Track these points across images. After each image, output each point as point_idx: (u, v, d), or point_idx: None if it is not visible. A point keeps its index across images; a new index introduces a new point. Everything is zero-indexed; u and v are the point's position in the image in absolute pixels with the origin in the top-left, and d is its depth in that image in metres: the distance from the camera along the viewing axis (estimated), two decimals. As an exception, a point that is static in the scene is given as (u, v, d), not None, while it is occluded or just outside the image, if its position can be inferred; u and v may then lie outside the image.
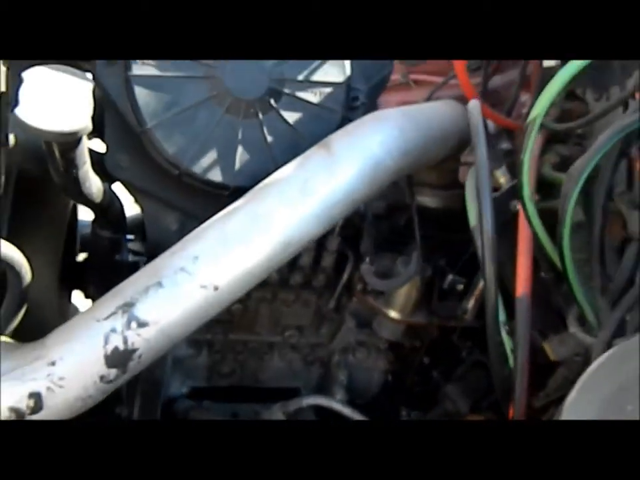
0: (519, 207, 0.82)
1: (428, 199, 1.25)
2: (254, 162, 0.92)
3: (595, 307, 0.72)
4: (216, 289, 0.76)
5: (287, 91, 0.92)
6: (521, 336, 0.76)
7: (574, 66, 0.75)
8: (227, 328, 1.21)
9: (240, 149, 0.91)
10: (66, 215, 1.12)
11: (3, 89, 0.69)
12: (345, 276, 1.19)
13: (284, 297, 1.20)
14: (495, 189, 0.98)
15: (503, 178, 0.95)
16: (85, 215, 1.19)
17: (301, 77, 0.93)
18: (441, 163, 1.06)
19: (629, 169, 0.80)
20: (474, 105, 0.86)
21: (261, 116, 0.91)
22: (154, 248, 0.98)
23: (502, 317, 0.83)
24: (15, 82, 0.69)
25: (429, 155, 0.96)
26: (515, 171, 1.00)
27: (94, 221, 1.02)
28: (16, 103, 0.66)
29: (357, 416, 1.13)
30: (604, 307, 0.70)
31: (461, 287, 1.19)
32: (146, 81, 0.87)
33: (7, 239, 0.80)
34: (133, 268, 0.98)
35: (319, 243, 1.10)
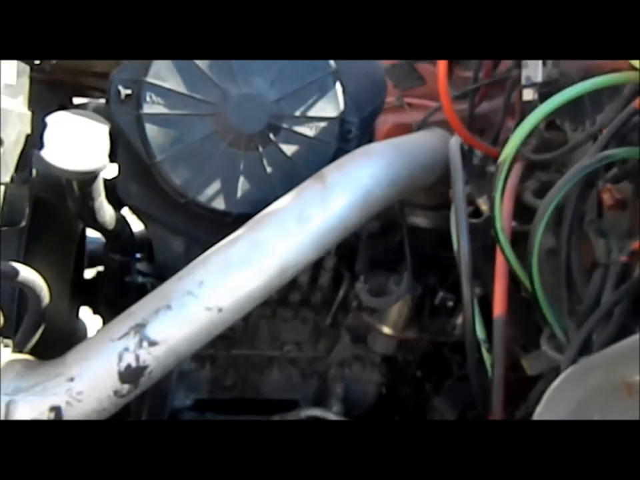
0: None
1: (420, 220, 1.32)
2: (254, 191, 0.99)
3: (564, 327, 0.79)
4: (220, 310, 0.83)
5: (285, 125, 1.00)
6: (497, 353, 0.83)
7: (541, 111, 0.82)
8: (229, 343, 1.27)
9: (242, 179, 0.99)
10: (77, 236, 1.19)
11: (29, 131, 0.77)
12: (341, 293, 1.26)
13: (283, 314, 1.27)
14: (479, 214, 1.06)
15: (484, 206, 1.02)
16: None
17: (298, 113, 1.00)
18: (431, 186, 1.13)
19: (598, 199, 0.87)
20: (454, 142, 0.93)
21: (261, 149, 0.99)
22: (161, 269, 1.05)
23: (482, 335, 0.90)
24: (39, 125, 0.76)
25: (416, 183, 1.04)
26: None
27: (105, 244, 1.10)
28: (41, 145, 0.74)
29: (352, 427, 1.19)
30: (571, 327, 0.77)
31: (450, 303, 1.26)
32: (155, 119, 0.95)
33: (23, 260, 0.87)
34: (142, 289, 1.06)
35: (316, 262, 1.16)
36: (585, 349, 0.73)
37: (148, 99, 0.94)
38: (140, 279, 1.04)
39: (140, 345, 0.79)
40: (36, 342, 0.89)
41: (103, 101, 1.21)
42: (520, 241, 0.98)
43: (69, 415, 0.76)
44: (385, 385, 1.37)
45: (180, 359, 0.83)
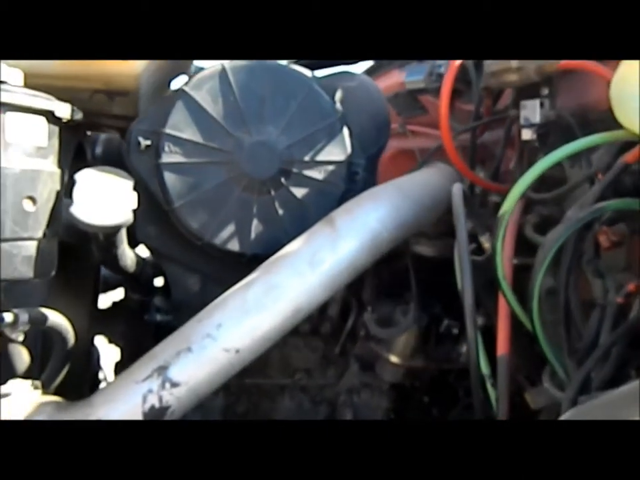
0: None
1: (424, 248, 1.36)
2: (267, 232, 1.04)
3: (565, 366, 0.83)
4: (237, 351, 0.88)
5: (295, 170, 1.05)
6: (501, 391, 0.87)
7: (538, 168, 0.87)
8: (241, 372, 1.31)
9: (255, 222, 1.04)
10: (94, 268, 1.24)
11: (59, 188, 0.82)
12: (349, 323, 1.30)
13: (293, 343, 1.31)
14: (482, 251, 1.10)
15: (487, 244, 1.07)
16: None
17: (307, 158, 1.05)
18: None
19: (595, 240, 0.91)
20: (457, 189, 0.98)
21: (273, 193, 1.04)
22: (178, 307, 1.10)
23: (486, 370, 0.94)
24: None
25: (421, 222, 1.09)
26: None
27: (125, 284, 1.15)
28: (71, 201, 0.79)
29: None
30: (571, 366, 0.81)
31: (455, 330, 1.30)
32: (173, 167, 1.01)
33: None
34: (160, 327, 1.11)
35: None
36: (585, 388, 0.77)
37: (166, 148, 1.00)
38: (158, 317, 1.09)
39: (163, 387, 0.83)
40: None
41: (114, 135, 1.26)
42: (521, 273, 1.03)
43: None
44: (392, 411, 1.41)
45: (200, 398, 0.87)
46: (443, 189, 1.16)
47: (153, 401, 0.83)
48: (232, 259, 1.05)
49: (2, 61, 0.91)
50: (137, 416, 0.83)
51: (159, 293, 1.13)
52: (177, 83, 1.26)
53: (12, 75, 0.79)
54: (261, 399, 1.36)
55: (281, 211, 1.05)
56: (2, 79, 0.77)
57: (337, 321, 1.29)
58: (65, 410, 0.84)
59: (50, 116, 0.80)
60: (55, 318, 0.89)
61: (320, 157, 1.06)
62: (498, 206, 1.28)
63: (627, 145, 0.86)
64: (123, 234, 0.88)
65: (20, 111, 0.75)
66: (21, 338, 0.83)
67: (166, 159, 1.00)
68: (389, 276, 1.33)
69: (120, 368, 1.40)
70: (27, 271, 0.77)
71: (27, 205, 0.76)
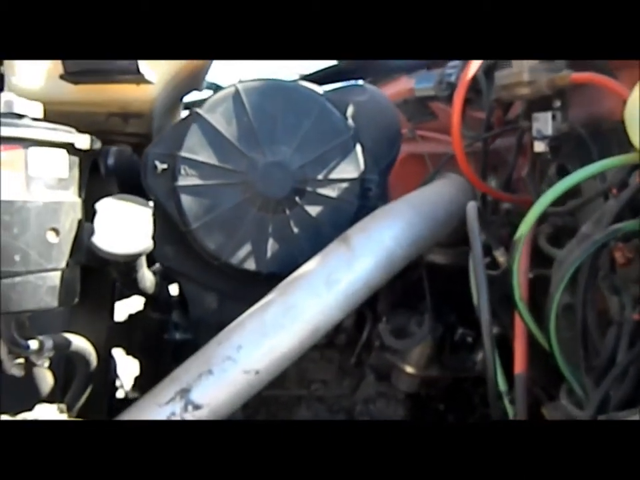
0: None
1: (438, 257, 1.36)
2: (283, 251, 1.06)
3: (582, 383, 0.84)
4: (257, 373, 0.89)
5: (309, 188, 1.06)
6: (519, 409, 0.88)
7: (557, 190, 0.87)
8: (259, 385, 1.33)
9: (271, 241, 1.05)
10: (112, 284, 1.26)
11: (80, 217, 0.84)
12: (364, 334, 1.31)
13: (310, 355, 1.31)
14: (497, 265, 1.11)
15: (502, 258, 1.07)
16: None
17: (321, 176, 1.06)
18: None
19: (611, 257, 0.91)
20: (471, 207, 0.98)
21: (288, 212, 1.05)
22: (196, 324, 1.12)
23: (503, 387, 0.95)
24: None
25: (435, 237, 1.09)
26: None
27: (145, 304, 1.17)
28: (92, 232, 0.81)
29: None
30: (589, 384, 0.81)
31: (470, 339, 1.31)
32: (190, 189, 1.02)
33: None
34: (180, 346, 1.12)
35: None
36: (603, 407, 0.78)
37: (182, 171, 1.01)
38: (177, 336, 1.10)
39: (185, 409, 0.85)
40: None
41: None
42: (535, 284, 1.03)
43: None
44: (409, 419, 1.42)
45: (221, 419, 0.89)
46: (456, 201, 1.17)
47: (176, 423, 0.85)
48: (249, 276, 1.07)
49: (19, 91, 0.94)
50: (161, 438, 0.84)
51: (177, 311, 1.14)
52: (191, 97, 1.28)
53: (32, 108, 0.81)
54: (278, 410, 1.38)
55: (296, 230, 1.06)
56: (22, 113, 0.79)
57: (352, 332, 1.30)
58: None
59: (70, 148, 0.81)
60: (78, 342, 0.91)
61: (333, 175, 1.07)
62: (509, 213, 1.29)
63: (641, 161, 0.87)
64: (143, 259, 0.90)
65: (42, 145, 0.77)
66: (46, 364, 0.85)
67: (182, 181, 1.02)
68: (403, 285, 1.34)
69: (139, 383, 1.42)
70: (52, 301, 0.79)
71: (51, 237, 0.78)
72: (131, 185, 1.17)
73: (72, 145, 0.81)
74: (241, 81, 1.07)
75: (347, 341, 1.31)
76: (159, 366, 1.18)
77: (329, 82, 1.28)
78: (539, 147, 1.14)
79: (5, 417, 0.80)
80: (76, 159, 0.84)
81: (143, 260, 0.91)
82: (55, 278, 0.79)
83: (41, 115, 0.83)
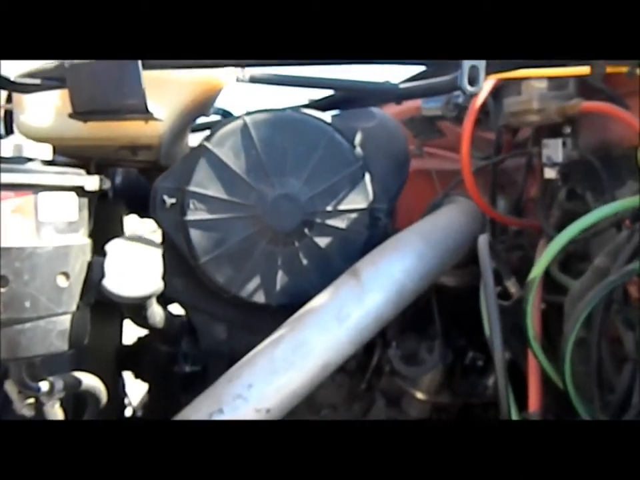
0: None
1: (447, 278, 1.36)
2: (292, 283, 1.05)
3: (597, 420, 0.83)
4: (268, 411, 0.89)
5: (318, 220, 1.05)
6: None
7: (571, 231, 0.86)
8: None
9: (280, 273, 1.05)
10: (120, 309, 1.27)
11: (89, 258, 0.83)
12: (374, 360, 1.30)
13: (320, 380, 1.32)
14: (508, 295, 1.10)
15: (513, 288, 1.06)
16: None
17: (330, 207, 1.06)
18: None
19: (625, 290, 0.90)
20: (483, 240, 0.98)
21: (297, 244, 1.05)
22: (206, 356, 1.12)
23: (516, 417, 0.94)
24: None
25: (446, 267, 1.09)
26: (523, 265, 1.11)
27: (152, 336, 1.17)
28: (102, 274, 0.80)
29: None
30: (604, 423, 0.80)
31: (480, 363, 1.30)
32: (198, 224, 1.02)
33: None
34: (189, 378, 1.12)
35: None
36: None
37: (191, 206, 1.01)
38: (187, 369, 1.10)
39: (196, 450, 0.84)
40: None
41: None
42: (547, 312, 1.02)
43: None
44: (419, 444, 1.41)
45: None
46: (466, 228, 1.16)
47: (187, 464, 0.84)
48: (258, 308, 1.06)
49: (28, 129, 0.94)
50: (172, 479, 0.84)
51: (186, 341, 1.14)
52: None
53: (41, 151, 0.81)
54: (288, 435, 1.37)
55: (305, 261, 1.05)
56: (31, 157, 0.79)
57: (362, 357, 1.29)
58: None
59: (80, 190, 0.81)
60: (89, 381, 0.91)
61: (342, 206, 1.07)
62: (518, 233, 1.28)
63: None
64: (153, 298, 0.90)
65: (51, 190, 0.77)
66: (57, 405, 0.85)
67: (191, 216, 1.01)
68: (412, 308, 1.33)
69: (147, 408, 1.42)
70: (62, 345, 0.79)
71: (61, 281, 0.77)
72: (139, 205, 1.17)
73: (82, 187, 0.81)
74: (248, 113, 1.06)
75: (357, 366, 1.30)
76: (168, 396, 1.18)
77: (336, 107, 1.27)
78: (549, 173, 1.14)
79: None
80: (85, 201, 0.84)
81: (153, 299, 0.91)
82: (65, 322, 0.79)
83: (50, 157, 0.83)
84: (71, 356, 0.89)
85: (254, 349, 0.94)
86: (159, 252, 0.85)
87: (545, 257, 0.86)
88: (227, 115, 1.40)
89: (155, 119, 0.92)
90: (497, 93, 1.18)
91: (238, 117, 1.05)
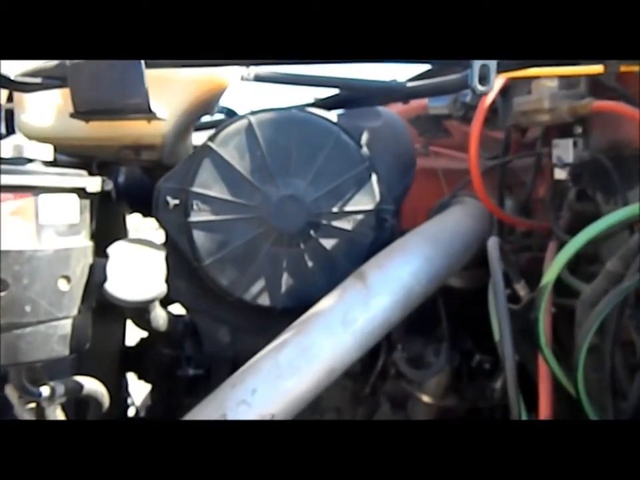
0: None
1: (454, 280, 1.34)
2: (297, 285, 1.03)
3: (610, 429, 0.81)
4: (272, 417, 0.87)
5: (324, 222, 1.04)
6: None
7: (584, 237, 0.84)
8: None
9: (285, 276, 1.03)
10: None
11: (91, 261, 0.82)
12: (380, 363, 1.28)
13: (324, 383, 1.30)
14: (517, 298, 1.08)
15: (522, 291, 1.04)
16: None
17: (335, 209, 1.04)
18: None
19: (638, 295, 0.88)
20: (492, 243, 0.96)
21: (302, 246, 1.03)
22: (209, 359, 1.10)
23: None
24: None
25: (454, 270, 1.07)
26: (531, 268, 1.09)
27: (155, 338, 1.15)
28: (104, 277, 0.79)
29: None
30: (617, 432, 0.78)
31: (487, 365, 1.28)
32: (202, 225, 1.00)
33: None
34: (192, 381, 1.10)
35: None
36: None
37: (195, 207, 0.99)
38: (190, 372, 1.08)
39: (200, 456, 0.83)
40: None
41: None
42: (558, 314, 1.00)
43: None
44: (425, 447, 1.39)
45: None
46: (474, 229, 1.14)
47: (190, 470, 0.82)
48: (263, 311, 1.05)
49: (29, 129, 0.92)
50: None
51: (190, 344, 1.13)
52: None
53: (42, 152, 0.79)
54: (291, 438, 1.36)
55: (310, 264, 1.04)
56: (32, 157, 0.77)
57: (367, 360, 1.28)
58: None
59: (81, 192, 0.80)
60: (90, 385, 0.89)
61: (348, 207, 1.05)
62: (527, 234, 1.26)
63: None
64: (156, 302, 0.88)
65: (52, 192, 0.75)
66: (58, 410, 0.83)
67: (195, 217, 1.00)
68: (418, 310, 1.31)
69: (150, 410, 1.41)
70: (63, 350, 0.77)
71: (62, 285, 0.76)
72: (142, 204, 1.15)
73: (83, 189, 0.79)
74: (252, 112, 1.04)
75: (361, 368, 1.28)
76: (171, 399, 1.17)
77: (341, 106, 1.25)
78: (560, 174, 1.12)
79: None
80: (87, 202, 0.82)
81: (156, 302, 0.89)
82: (66, 326, 0.77)
83: (51, 158, 0.81)
84: (72, 360, 0.87)
85: (258, 353, 0.92)
86: (162, 255, 0.83)
87: (557, 263, 0.84)
88: (231, 114, 1.38)
89: (158, 119, 0.90)
90: (506, 91, 1.16)
91: (242, 117, 1.03)
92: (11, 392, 0.81)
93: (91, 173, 0.85)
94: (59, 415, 0.87)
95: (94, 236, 0.84)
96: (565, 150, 1.10)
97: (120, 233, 1.26)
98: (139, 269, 0.80)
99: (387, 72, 1.21)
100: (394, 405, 1.34)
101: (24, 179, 0.73)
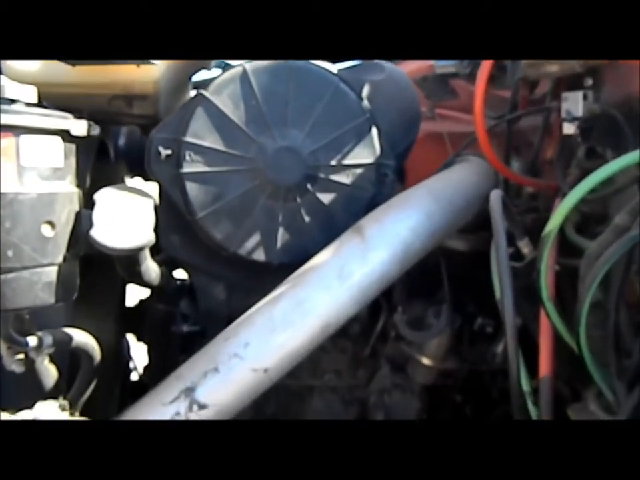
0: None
1: (457, 242, 1.31)
2: (294, 241, 1.01)
3: (612, 387, 0.78)
4: (265, 371, 0.85)
5: (322, 175, 1.00)
6: (545, 413, 0.82)
7: (589, 183, 0.80)
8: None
9: (281, 230, 1.00)
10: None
11: (77, 208, 0.79)
12: (380, 324, 1.26)
13: (322, 345, 1.28)
14: (521, 256, 1.05)
15: (526, 248, 1.01)
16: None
17: (334, 162, 1.00)
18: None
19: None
20: (495, 196, 0.92)
21: (299, 199, 1.00)
22: (205, 316, 1.08)
23: (527, 387, 0.89)
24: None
25: (455, 227, 1.03)
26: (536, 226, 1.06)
27: (151, 295, 1.13)
28: (90, 224, 0.76)
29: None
30: (620, 388, 0.76)
31: (489, 329, 1.25)
32: (195, 177, 0.97)
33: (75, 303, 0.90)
34: (187, 338, 1.09)
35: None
36: (637, 412, 0.72)
37: (187, 157, 0.96)
38: (185, 328, 1.07)
39: (190, 409, 0.81)
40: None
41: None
42: (561, 276, 0.97)
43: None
44: (425, 411, 1.38)
45: (228, 419, 0.85)
46: (477, 187, 1.10)
47: (181, 423, 0.81)
48: (258, 267, 1.02)
49: (15, 73, 0.89)
50: (165, 438, 0.81)
51: (185, 301, 1.11)
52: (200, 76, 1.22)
53: (25, 93, 0.76)
54: (289, 399, 1.34)
55: (307, 218, 1.00)
56: (15, 98, 0.74)
57: (367, 322, 1.25)
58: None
59: (66, 135, 0.76)
60: (80, 337, 0.88)
61: (347, 161, 1.01)
62: (534, 197, 1.22)
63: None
64: (146, 250, 0.85)
65: (34, 133, 0.72)
66: (46, 361, 0.82)
67: (187, 168, 0.96)
68: (419, 272, 1.29)
69: (148, 372, 1.40)
70: (49, 298, 0.75)
71: (46, 230, 0.73)
72: (142, 167, 1.12)
73: (67, 132, 0.76)
74: (249, 61, 1.00)
75: (361, 330, 1.26)
76: (166, 357, 1.15)
77: (343, 59, 1.21)
78: (569, 129, 1.07)
79: (4, 415, 0.77)
80: (72, 147, 0.79)
81: (147, 252, 0.87)
82: (51, 273, 0.75)
83: (35, 100, 0.78)
84: (63, 310, 0.85)
85: (252, 308, 0.90)
86: (150, 202, 0.80)
87: (561, 209, 0.80)
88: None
89: (148, 62, 0.86)
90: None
91: (237, 65, 0.99)
92: (-1, 343, 0.80)
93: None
94: (48, 366, 0.86)
95: (91, 197, 0.81)
96: (574, 103, 1.05)
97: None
98: (126, 216, 0.77)
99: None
100: (394, 367, 1.32)
101: (4, 118, 0.70)
